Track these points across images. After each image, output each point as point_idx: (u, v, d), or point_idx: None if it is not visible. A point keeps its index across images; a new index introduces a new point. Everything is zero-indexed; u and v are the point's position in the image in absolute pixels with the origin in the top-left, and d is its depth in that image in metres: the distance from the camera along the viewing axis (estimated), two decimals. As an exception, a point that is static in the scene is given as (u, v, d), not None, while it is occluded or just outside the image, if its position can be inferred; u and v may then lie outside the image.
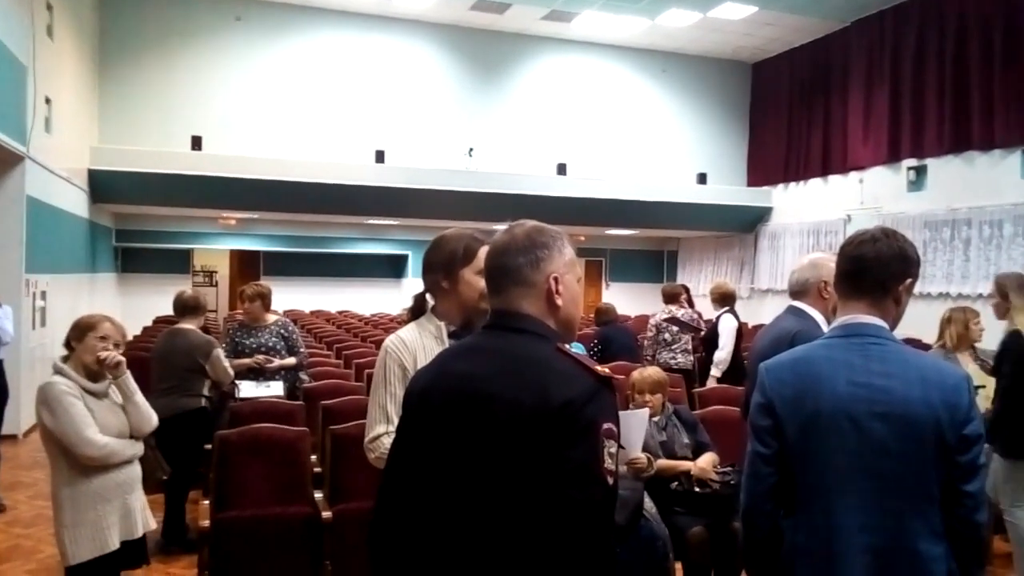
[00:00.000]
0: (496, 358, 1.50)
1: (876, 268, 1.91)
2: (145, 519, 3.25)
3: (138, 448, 3.21)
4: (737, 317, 6.92)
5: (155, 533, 4.63)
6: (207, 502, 4.02)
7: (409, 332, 2.33)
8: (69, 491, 3.01)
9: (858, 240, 1.97)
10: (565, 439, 1.36)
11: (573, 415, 1.37)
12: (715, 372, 6.72)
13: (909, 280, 1.93)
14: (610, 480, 1.39)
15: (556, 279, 1.55)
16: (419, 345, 2.26)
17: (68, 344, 3.15)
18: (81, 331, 3.12)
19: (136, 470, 3.23)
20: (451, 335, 2.28)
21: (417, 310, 2.42)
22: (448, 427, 1.48)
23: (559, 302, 1.55)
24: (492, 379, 1.45)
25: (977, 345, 5.16)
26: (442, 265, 2.29)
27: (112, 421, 3.11)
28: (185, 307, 5.15)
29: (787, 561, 1.85)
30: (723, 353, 6.71)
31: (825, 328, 2.52)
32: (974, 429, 1.79)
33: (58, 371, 3.07)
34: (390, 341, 2.32)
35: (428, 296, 2.40)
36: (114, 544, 3.06)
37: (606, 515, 1.40)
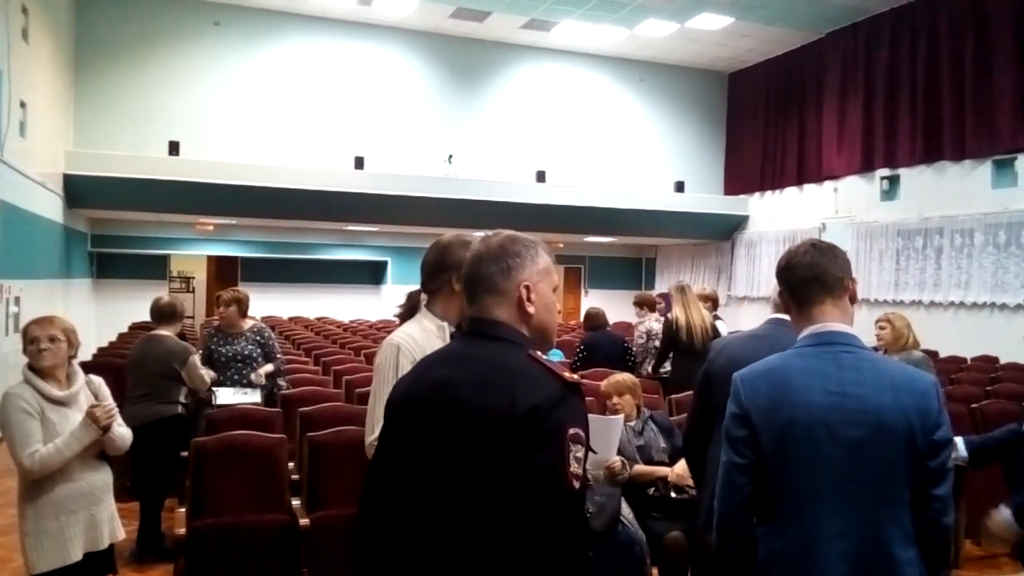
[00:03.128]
0: (469, 364, 1.53)
1: (833, 267, 1.99)
2: (113, 529, 3.22)
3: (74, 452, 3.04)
4: (722, 322, 6.95)
5: (130, 542, 4.61)
6: (183, 510, 4.00)
7: (415, 329, 2.37)
8: (31, 500, 3.00)
9: (802, 250, 2.03)
10: (531, 443, 1.39)
11: (539, 420, 1.40)
12: None
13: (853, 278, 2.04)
14: (576, 484, 1.42)
15: (528, 287, 1.58)
16: (426, 342, 2.29)
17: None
18: (25, 342, 3.13)
19: (104, 479, 3.20)
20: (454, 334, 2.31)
21: (411, 308, 2.45)
22: (423, 433, 1.52)
23: (531, 310, 1.58)
24: (463, 386, 1.49)
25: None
26: (457, 266, 2.29)
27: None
28: (162, 313, 5.11)
29: (763, 569, 1.85)
30: None
31: None
32: (943, 434, 1.83)
33: (26, 379, 3.06)
34: (401, 338, 2.35)
35: (424, 295, 2.44)
36: (76, 556, 3.03)
37: (573, 517, 1.43)
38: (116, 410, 3.19)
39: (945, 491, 1.84)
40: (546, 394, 1.43)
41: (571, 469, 1.41)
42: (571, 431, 1.42)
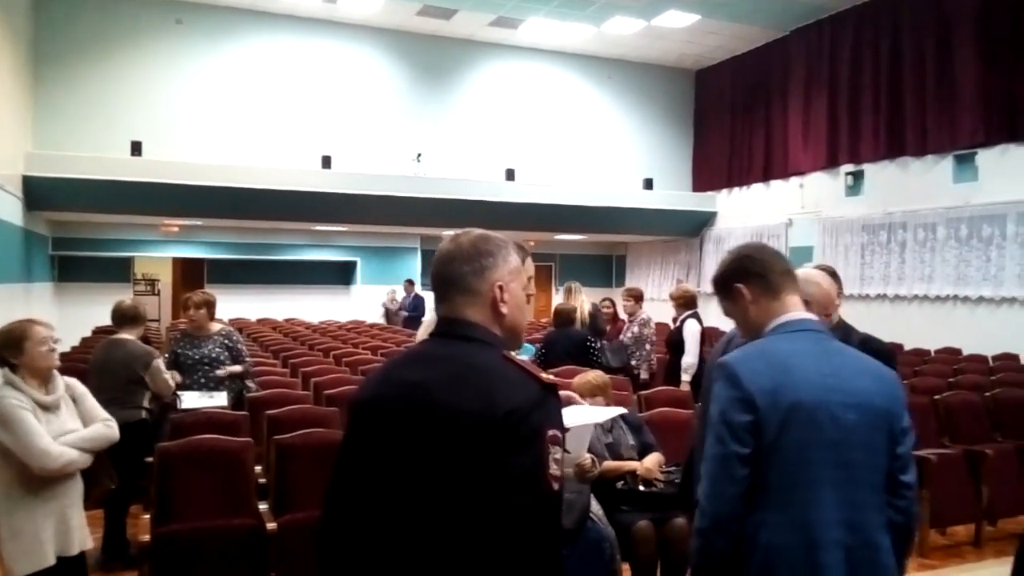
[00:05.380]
0: (442, 366, 1.50)
1: (785, 260, 2.04)
2: (82, 537, 3.17)
3: (89, 456, 3.17)
4: (700, 321, 6.99)
5: (95, 549, 4.52)
6: (148, 516, 3.93)
7: (422, 330, 2.36)
8: (5, 501, 2.95)
9: (754, 246, 2.09)
10: (511, 446, 1.38)
11: (518, 423, 1.38)
12: (685, 377, 6.74)
13: None
14: (555, 485, 1.41)
15: (501, 287, 1.56)
16: None
17: (4, 362, 3.06)
18: (15, 344, 3.05)
19: (78, 485, 3.16)
20: None
21: None
22: (393, 436, 1.48)
23: (504, 310, 1.56)
24: (437, 388, 1.46)
25: None
26: None
27: (61, 432, 3.07)
28: (123, 317, 5.01)
29: (762, 565, 1.76)
30: (690, 358, 6.72)
31: None
32: (908, 421, 1.88)
33: (9, 382, 3.01)
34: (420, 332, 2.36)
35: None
36: (51, 559, 2.99)
37: (552, 519, 1.42)
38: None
39: (913, 478, 1.87)
40: (525, 397, 1.41)
41: (550, 471, 1.40)
42: (550, 433, 1.41)
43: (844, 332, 3.01)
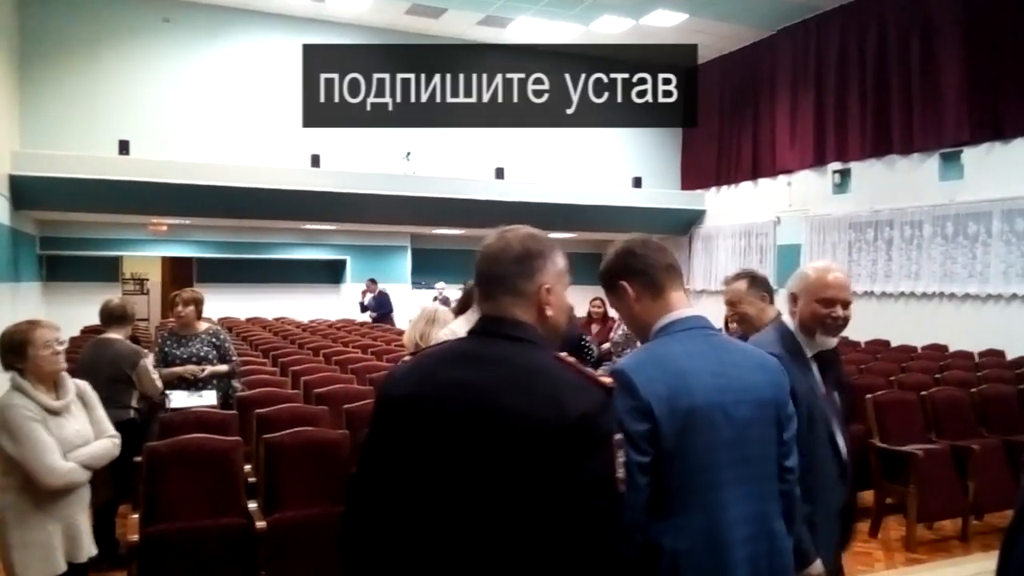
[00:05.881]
0: (499, 368, 1.47)
1: (669, 255, 2.06)
2: (89, 544, 3.14)
3: (90, 472, 3.13)
4: None
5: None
6: (136, 516, 3.92)
7: (460, 326, 2.38)
8: (15, 510, 2.91)
9: (637, 241, 2.07)
10: (584, 451, 1.38)
11: (589, 428, 1.39)
12: None
13: None
14: (622, 488, 1.46)
15: (548, 289, 1.55)
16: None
17: (10, 366, 3.00)
18: (18, 349, 2.98)
19: (85, 492, 3.13)
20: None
21: (464, 303, 2.48)
22: (452, 437, 1.44)
23: (549, 312, 1.55)
24: (501, 391, 1.43)
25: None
26: None
27: (72, 436, 3.01)
28: (111, 316, 5.00)
29: (669, 569, 1.73)
30: None
31: (801, 338, 2.53)
32: (792, 407, 1.93)
33: (18, 388, 2.94)
34: (443, 332, 2.39)
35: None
36: (62, 566, 2.96)
37: (617, 521, 1.46)
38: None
39: (795, 463, 1.92)
40: (593, 402, 1.42)
41: (618, 475, 1.44)
42: (616, 437, 1.45)
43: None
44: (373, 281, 14.45)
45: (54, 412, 2.99)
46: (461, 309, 2.49)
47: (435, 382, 1.51)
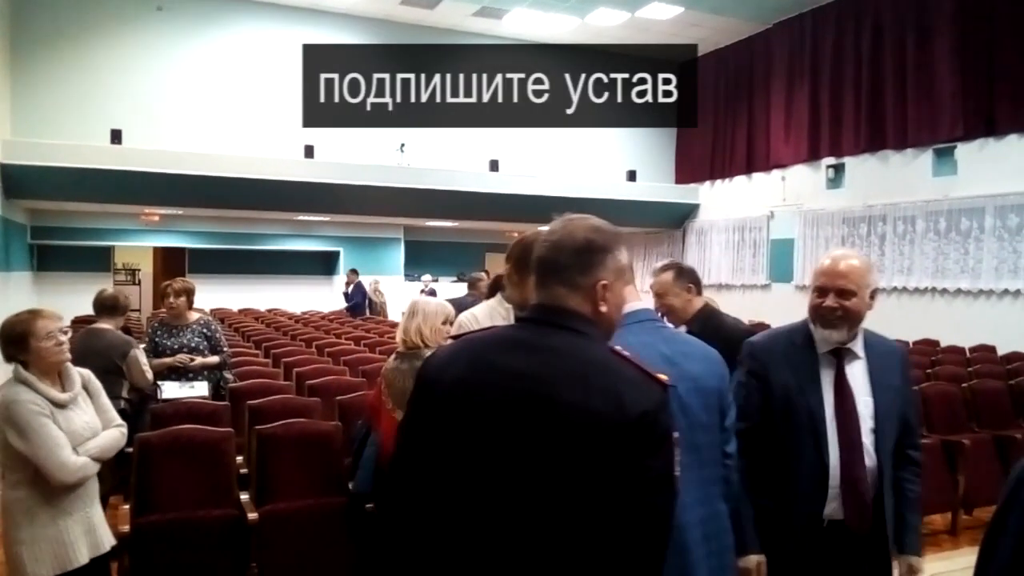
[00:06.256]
0: (555, 358, 1.44)
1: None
2: (105, 534, 3.05)
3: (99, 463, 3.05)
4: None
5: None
6: (127, 507, 3.91)
7: (483, 310, 2.47)
8: (23, 505, 2.81)
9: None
10: (646, 449, 1.37)
11: (651, 426, 1.38)
12: None
13: None
14: (679, 485, 1.45)
15: (605, 286, 1.51)
16: (489, 324, 2.34)
17: (11, 358, 2.88)
18: (19, 341, 2.86)
19: (95, 482, 3.04)
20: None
21: (494, 288, 2.51)
22: (501, 427, 1.41)
23: (603, 308, 1.51)
24: (556, 382, 1.40)
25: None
26: (514, 260, 2.51)
27: (81, 429, 2.92)
28: (104, 306, 4.97)
29: None
30: None
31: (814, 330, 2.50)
32: (731, 396, 2.02)
33: (22, 381, 2.84)
34: (464, 316, 2.44)
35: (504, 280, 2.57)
36: (82, 559, 2.87)
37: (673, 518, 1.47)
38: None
39: (734, 448, 2.01)
40: (653, 399, 1.40)
41: (676, 473, 1.43)
42: (675, 435, 1.43)
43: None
44: (354, 271, 14.15)
45: (61, 405, 2.89)
46: (490, 292, 2.53)
47: (487, 367, 1.47)
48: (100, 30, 13.38)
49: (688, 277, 3.39)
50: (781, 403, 2.32)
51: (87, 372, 3.14)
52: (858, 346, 2.38)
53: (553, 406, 1.38)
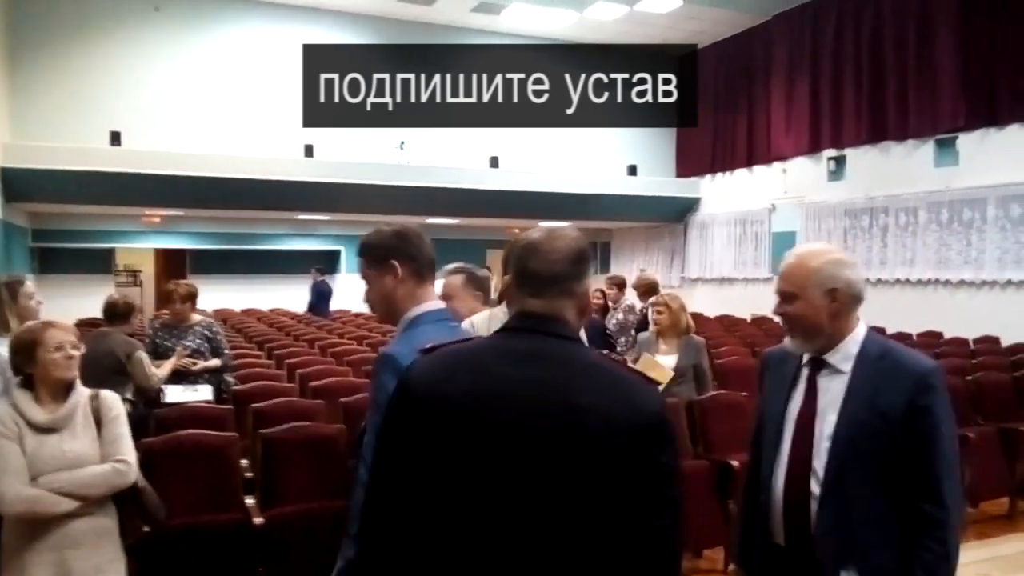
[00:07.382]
0: (565, 366, 1.47)
1: (433, 251, 2.18)
2: None
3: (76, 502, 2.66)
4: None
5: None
6: (133, 512, 3.91)
7: (481, 319, 2.50)
8: (6, 538, 2.61)
9: (415, 229, 2.16)
10: (659, 447, 1.44)
11: (664, 424, 1.46)
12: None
13: None
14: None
15: (586, 292, 1.61)
16: (486, 332, 2.34)
17: (18, 371, 2.73)
18: (27, 350, 2.68)
19: (95, 524, 2.71)
20: None
21: (504, 297, 2.57)
22: (528, 437, 1.41)
23: (585, 313, 1.61)
24: (573, 389, 1.43)
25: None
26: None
27: (53, 457, 2.62)
28: (115, 313, 4.99)
29: None
30: None
31: None
32: None
33: (10, 397, 2.70)
34: (463, 325, 2.46)
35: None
36: None
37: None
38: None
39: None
40: (658, 400, 1.51)
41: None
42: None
43: None
44: (317, 270, 13.75)
45: (42, 428, 2.64)
46: (500, 299, 2.55)
47: (500, 378, 1.45)
48: (98, 31, 13.35)
49: (477, 285, 3.43)
50: (760, 412, 2.26)
51: (112, 396, 2.88)
52: (838, 358, 2.05)
53: (578, 412, 1.41)
